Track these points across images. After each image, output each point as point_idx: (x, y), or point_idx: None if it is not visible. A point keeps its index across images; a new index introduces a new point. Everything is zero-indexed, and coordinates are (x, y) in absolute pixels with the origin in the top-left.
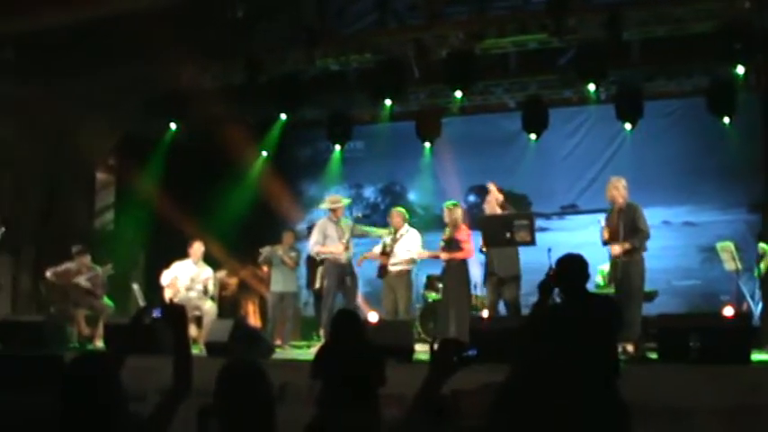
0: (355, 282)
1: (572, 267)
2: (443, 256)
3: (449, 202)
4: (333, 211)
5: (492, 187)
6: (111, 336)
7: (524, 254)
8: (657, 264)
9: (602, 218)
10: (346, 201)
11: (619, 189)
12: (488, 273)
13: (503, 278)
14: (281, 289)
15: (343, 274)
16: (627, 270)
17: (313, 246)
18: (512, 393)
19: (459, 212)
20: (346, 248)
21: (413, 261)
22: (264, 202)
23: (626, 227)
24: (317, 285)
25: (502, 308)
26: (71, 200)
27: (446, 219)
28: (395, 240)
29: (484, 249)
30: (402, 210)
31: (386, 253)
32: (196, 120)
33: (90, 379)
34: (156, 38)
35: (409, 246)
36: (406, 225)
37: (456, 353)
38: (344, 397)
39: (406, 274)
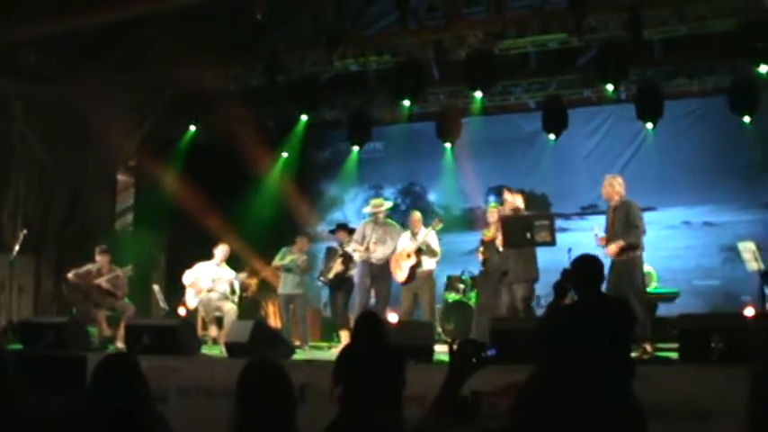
0: (387, 283)
1: (586, 268)
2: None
3: (493, 203)
4: (374, 213)
5: (507, 196)
6: (133, 337)
7: (543, 254)
8: (678, 264)
9: (597, 227)
10: (388, 204)
11: (614, 186)
12: (502, 273)
13: (516, 278)
14: (289, 291)
15: (372, 274)
16: (624, 269)
17: (351, 243)
18: (531, 395)
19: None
20: (367, 249)
21: (435, 256)
22: (285, 202)
23: (621, 224)
24: (330, 276)
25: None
26: (93, 201)
27: (490, 219)
28: (414, 243)
29: (501, 249)
30: (419, 212)
31: (409, 256)
32: (216, 121)
33: (118, 379)
34: (176, 40)
35: (432, 245)
36: (423, 227)
37: (475, 353)
38: (366, 399)
39: (429, 275)
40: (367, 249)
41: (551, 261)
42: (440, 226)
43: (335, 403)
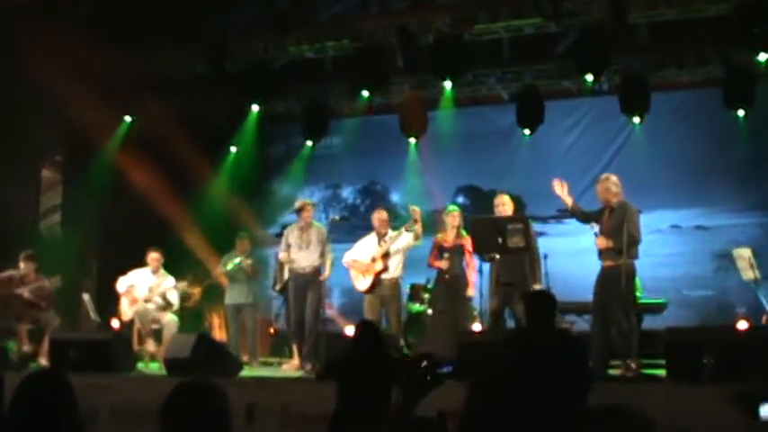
0: (317, 292)
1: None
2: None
3: (452, 207)
4: (298, 214)
5: (505, 199)
6: (59, 352)
7: None
8: (666, 272)
9: (597, 225)
10: (311, 203)
11: (610, 189)
12: (496, 281)
13: (515, 290)
14: (237, 301)
15: (304, 282)
16: (611, 276)
17: (279, 254)
18: (474, 416)
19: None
20: (288, 260)
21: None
22: (234, 202)
23: (615, 228)
24: (278, 287)
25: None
26: (14, 200)
27: (452, 224)
28: (382, 246)
29: (489, 257)
30: (385, 211)
31: (375, 260)
32: (155, 112)
33: (44, 400)
34: (109, 22)
35: (401, 248)
36: (390, 229)
37: (428, 371)
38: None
39: (396, 282)
40: (290, 259)
41: None
42: (417, 225)
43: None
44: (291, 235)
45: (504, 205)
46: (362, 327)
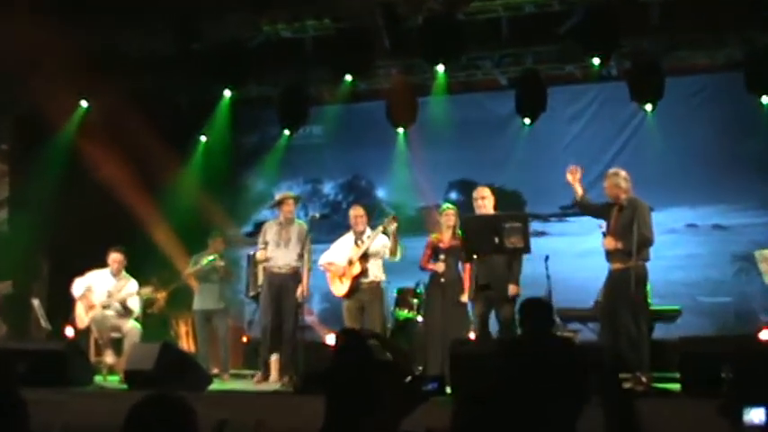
0: (292, 296)
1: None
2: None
3: (447, 205)
4: (278, 208)
5: (486, 192)
6: (4, 364)
7: None
8: (680, 275)
9: (605, 224)
10: (292, 196)
11: (619, 185)
12: (477, 284)
13: (494, 292)
14: (206, 306)
15: (280, 283)
16: (619, 279)
17: (256, 251)
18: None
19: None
20: (265, 258)
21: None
22: (202, 198)
23: (623, 227)
24: (252, 293)
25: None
26: None
27: (447, 224)
28: (359, 246)
29: (466, 258)
30: (361, 207)
31: (352, 263)
32: (114, 96)
33: None
34: None
35: (379, 250)
36: (368, 227)
37: (410, 389)
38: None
39: (378, 286)
40: (266, 258)
41: (525, 272)
42: (394, 225)
43: None
44: (270, 231)
45: (485, 198)
46: (343, 337)
